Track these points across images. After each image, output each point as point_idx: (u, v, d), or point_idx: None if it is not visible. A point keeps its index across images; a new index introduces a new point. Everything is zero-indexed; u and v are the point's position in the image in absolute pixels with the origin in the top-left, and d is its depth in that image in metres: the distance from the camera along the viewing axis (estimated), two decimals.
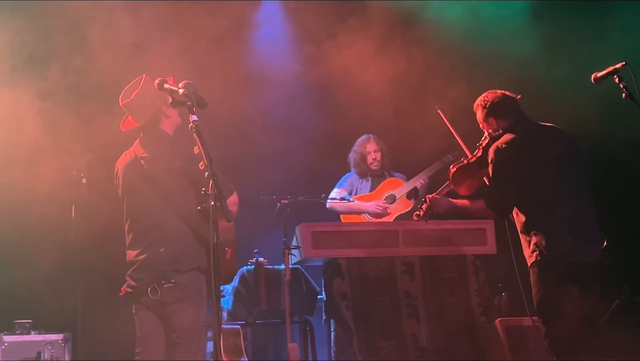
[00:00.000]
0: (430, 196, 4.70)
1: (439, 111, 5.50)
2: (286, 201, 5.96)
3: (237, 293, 6.16)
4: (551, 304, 4.24)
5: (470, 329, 6.02)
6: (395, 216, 6.61)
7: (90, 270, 6.28)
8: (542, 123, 4.57)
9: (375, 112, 7.21)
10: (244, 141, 7.08)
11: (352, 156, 6.87)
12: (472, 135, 4.80)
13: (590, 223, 4.36)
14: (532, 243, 4.31)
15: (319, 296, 6.35)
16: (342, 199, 6.53)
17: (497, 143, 4.41)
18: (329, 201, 6.49)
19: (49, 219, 6.19)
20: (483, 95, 4.60)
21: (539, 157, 4.36)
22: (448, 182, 4.74)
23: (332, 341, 5.97)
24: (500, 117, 4.54)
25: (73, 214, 6.17)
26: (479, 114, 4.61)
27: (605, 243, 4.33)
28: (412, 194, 6.69)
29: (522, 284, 4.51)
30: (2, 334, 5.93)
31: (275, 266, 6.26)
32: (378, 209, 6.57)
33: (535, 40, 7.36)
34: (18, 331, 5.96)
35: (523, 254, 4.43)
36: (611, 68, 4.02)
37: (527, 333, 5.64)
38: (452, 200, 4.65)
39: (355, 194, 6.75)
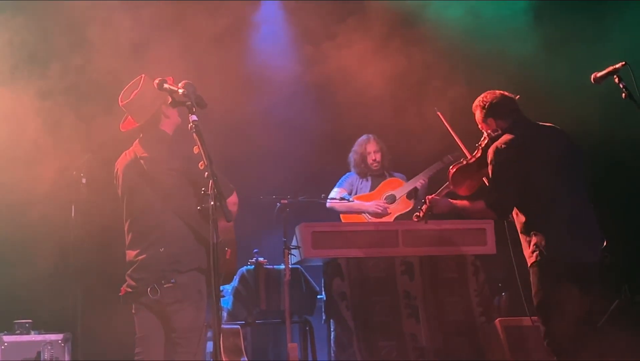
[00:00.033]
0: (429, 197, 4.69)
1: (439, 113, 5.50)
2: (286, 201, 5.96)
3: (236, 293, 6.16)
4: (551, 304, 4.24)
5: (469, 329, 6.02)
6: (395, 216, 6.61)
7: (90, 270, 6.29)
8: (540, 123, 4.57)
9: (375, 112, 7.21)
10: (243, 141, 7.08)
11: (352, 157, 6.87)
12: (471, 135, 4.80)
13: (590, 222, 4.36)
14: (532, 243, 4.31)
15: (318, 296, 6.35)
16: (342, 199, 6.53)
17: (497, 143, 4.41)
18: (328, 200, 6.49)
19: (48, 219, 6.19)
20: (482, 96, 4.60)
21: (538, 157, 4.36)
22: (447, 183, 4.74)
23: (331, 341, 5.97)
24: (499, 117, 4.54)
25: (73, 214, 6.18)
26: (478, 115, 4.61)
27: (605, 243, 4.34)
28: (412, 194, 6.69)
29: (521, 285, 4.51)
30: (1, 334, 5.93)
31: (275, 266, 6.26)
32: (378, 208, 6.58)
33: (535, 41, 7.36)
34: (18, 331, 5.96)
35: (522, 254, 4.43)
36: (611, 68, 4.02)
37: (527, 333, 5.63)
38: (451, 201, 4.65)
39: (355, 193, 6.75)
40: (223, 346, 5.60)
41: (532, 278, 4.32)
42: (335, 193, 6.72)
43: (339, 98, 7.28)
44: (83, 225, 6.19)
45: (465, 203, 4.61)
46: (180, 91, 3.74)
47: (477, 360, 5.89)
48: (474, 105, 4.62)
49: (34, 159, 6.21)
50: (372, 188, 6.77)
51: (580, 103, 6.52)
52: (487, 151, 4.48)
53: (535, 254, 4.29)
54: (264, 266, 6.20)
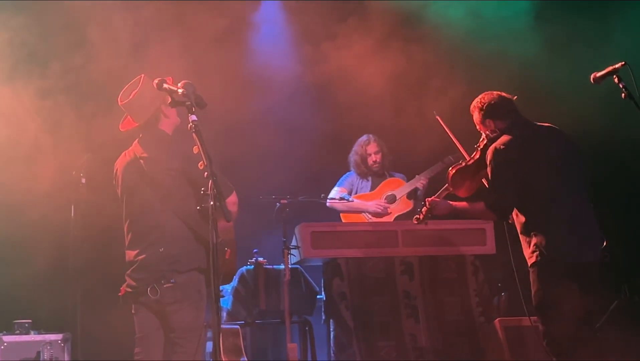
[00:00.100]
0: (429, 199, 4.68)
1: (438, 117, 5.49)
2: (285, 201, 5.96)
3: (236, 293, 6.16)
4: (550, 304, 4.24)
5: (469, 329, 6.02)
6: (396, 216, 6.61)
7: (89, 270, 6.28)
8: (539, 123, 4.56)
9: (375, 112, 7.21)
10: (243, 141, 7.08)
11: (352, 157, 6.87)
12: (472, 136, 4.79)
13: (589, 222, 4.36)
14: (532, 244, 4.31)
15: (318, 296, 6.35)
16: (342, 199, 6.53)
17: (495, 144, 4.41)
18: (328, 200, 6.49)
19: (48, 219, 6.19)
20: (479, 97, 4.60)
21: (537, 157, 4.36)
22: (447, 185, 4.73)
23: (331, 341, 5.97)
24: (498, 118, 4.53)
25: (72, 214, 6.17)
26: (476, 116, 4.60)
27: (604, 243, 4.33)
28: (412, 194, 6.70)
29: (520, 285, 4.51)
30: (1, 334, 5.93)
31: (274, 266, 6.26)
32: (379, 208, 6.58)
33: (536, 41, 7.35)
34: (17, 331, 5.96)
35: (521, 254, 4.42)
36: (610, 68, 4.01)
37: (527, 333, 5.64)
38: (451, 203, 4.64)
39: (356, 193, 6.75)
40: (223, 346, 5.60)
41: (532, 278, 4.32)
42: (335, 192, 6.72)
43: (339, 98, 7.28)
44: (83, 225, 6.18)
45: (464, 204, 4.60)
46: (180, 90, 3.73)
47: (476, 360, 5.89)
48: (471, 106, 4.61)
49: (33, 158, 6.20)
50: (373, 188, 6.77)
51: (581, 103, 6.52)
52: (485, 152, 4.48)
53: (535, 254, 4.28)
54: (264, 266, 6.20)
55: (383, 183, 6.78)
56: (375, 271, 6.04)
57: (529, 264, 4.35)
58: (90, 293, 6.16)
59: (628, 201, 7.16)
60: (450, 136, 5.27)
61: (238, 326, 5.83)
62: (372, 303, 5.97)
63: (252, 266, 6.20)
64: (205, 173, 3.51)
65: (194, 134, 3.61)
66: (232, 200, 4.16)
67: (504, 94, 4.56)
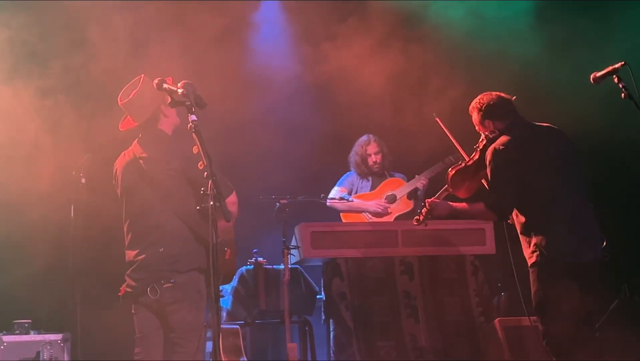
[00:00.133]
0: (429, 200, 4.67)
1: (437, 119, 5.48)
2: (285, 201, 5.95)
3: (236, 293, 6.16)
4: (550, 304, 4.23)
5: (469, 329, 6.02)
6: (396, 216, 6.61)
7: (89, 270, 6.28)
8: (538, 123, 4.56)
9: (375, 112, 7.20)
10: (243, 141, 7.07)
11: (352, 157, 6.87)
12: (473, 136, 4.79)
13: (589, 222, 4.36)
14: (532, 244, 4.31)
15: (318, 296, 6.35)
16: (341, 198, 6.53)
17: (494, 145, 4.41)
18: (328, 200, 6.49)
19: (48, 219, 6.19)
20: (478, 97, 4.59)
21: (537, 157, 4.36)
22: (447, 185, 4.72)
23: (331, 341, 5.97)
24: (497, 119, 4.53)
25: (72, 214, 6.17)
26: (475, 117, 4.60)
27: (604, 243, 4.33)
28: (413, 194, 6.70)
29: (519, 285, 4.50)
30: (1, 334, 5.92)
31: (274, 266, 6.26)
32: (379, 208, 6.58)
33: (536, 42, 7.35)
34: (17, 331, 5.96)
35: (521, 254, 4.42)
36: (610, 68, 4.01)
37: (526, 333, 5.63)
38: (451, 203, 4.63)
39: (356, 193, 6.75)
40: (222, 346, 5.60)
41: (532, 278, 4.32)
42: (335, 191, 6.72)
43: (339, 98, 7.28)
44: (82, 225, 6.18)
45: (464, 205, 4.59)
46: (180, 90, 3.73)
47: (476, 360, 5.89)
48: (470, 107, 4.61)
49: (33, 158, 6.20)
50: (373, 188, 6.77)
51: (581, 103, 6.52)
52: (485, 153, 4.47)
53: (535, 254, 4.28)
54: (264, 266, 6.20)
55: (383, 182, 6.78)
56: (375, 271, 6.04)
57: (529, 264, 4.34)
58: (90, 293, 6.17)
59: (628, 201, 7.16)
60: (450, 137, 5.27)
61: (238, 326, 5.83)
62: (372, 303, 5.97)
63: (252, 266, 6.20)
64: (205, 173, 3.51)
65: (193, 134, 3.61)
66: (231, 200, 4.16)
67: (502, 94, 4.56)
